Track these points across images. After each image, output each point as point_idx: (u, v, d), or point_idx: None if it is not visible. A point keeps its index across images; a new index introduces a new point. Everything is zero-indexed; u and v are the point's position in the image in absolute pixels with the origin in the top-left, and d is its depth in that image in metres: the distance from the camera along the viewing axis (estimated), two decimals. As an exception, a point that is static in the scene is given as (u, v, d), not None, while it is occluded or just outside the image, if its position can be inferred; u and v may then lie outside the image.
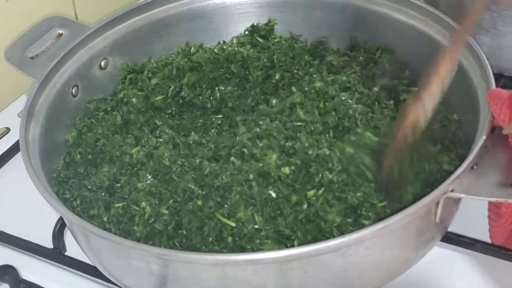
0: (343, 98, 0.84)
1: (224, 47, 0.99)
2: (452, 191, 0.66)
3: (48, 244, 0.84)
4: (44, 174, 0.77)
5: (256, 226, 0.70)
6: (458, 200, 0.73)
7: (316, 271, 0.64)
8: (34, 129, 0.82)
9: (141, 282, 0.70)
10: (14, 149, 1.00)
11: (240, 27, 1.03)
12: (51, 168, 0.83)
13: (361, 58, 0.95)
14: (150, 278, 0.68)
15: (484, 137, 0.70)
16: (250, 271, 0.63)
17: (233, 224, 0.71)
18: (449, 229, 0.76)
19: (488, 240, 0.76)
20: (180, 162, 0.78)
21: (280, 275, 0.64)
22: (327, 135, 0.79)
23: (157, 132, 0.87)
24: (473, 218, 0.76)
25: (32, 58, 0.92)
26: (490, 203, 0.72)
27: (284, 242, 0.70)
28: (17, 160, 0.93)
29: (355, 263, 0.66)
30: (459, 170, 0.66)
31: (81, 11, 1.22)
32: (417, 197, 0.66)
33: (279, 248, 0.69)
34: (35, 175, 0.74)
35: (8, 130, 1.06)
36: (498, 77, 0.95)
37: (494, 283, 0.77)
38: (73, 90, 0.91)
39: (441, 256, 0.78)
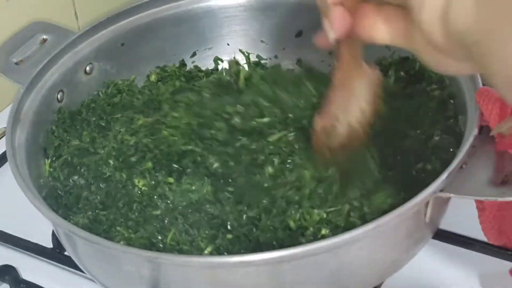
0: None
1: None
2: (441, 190, 0.66)
3: (48, 244, 0.84)
4: (32, 180, 0.76)
5: None
6: (447, 200, 0.73)
7: (308, 272, 0.64)
8: (20, 135, 0.82)
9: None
10: (14, 149, 0.99)
11: (225, 31, 1.03)
12: (38, 173, 0.82)
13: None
14: (141, 282, 0.67)
15: (473, 136, 0.69)
16: (241, 273, 0.63)
17: None
18: (447, 229, 0.77)
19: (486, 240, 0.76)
20: None
21: (272, 277, 0.64)
22: None
23: None
24: (471, 217, 0.75)
25: (16, 63, 0.92)
26: None
27: None
28: (17, 160, 0.92)
29: (347, 264, 0.66)
30: (449, 170, 0.66)
31: (81, 11, 1.21)
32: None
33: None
34: (23, 181, 0.73)
35: (8, 130, 1.05)
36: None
37: (493, 283, 0.77)
38: (59, 96, 0.91)
39: (439, 256, 0.79)
